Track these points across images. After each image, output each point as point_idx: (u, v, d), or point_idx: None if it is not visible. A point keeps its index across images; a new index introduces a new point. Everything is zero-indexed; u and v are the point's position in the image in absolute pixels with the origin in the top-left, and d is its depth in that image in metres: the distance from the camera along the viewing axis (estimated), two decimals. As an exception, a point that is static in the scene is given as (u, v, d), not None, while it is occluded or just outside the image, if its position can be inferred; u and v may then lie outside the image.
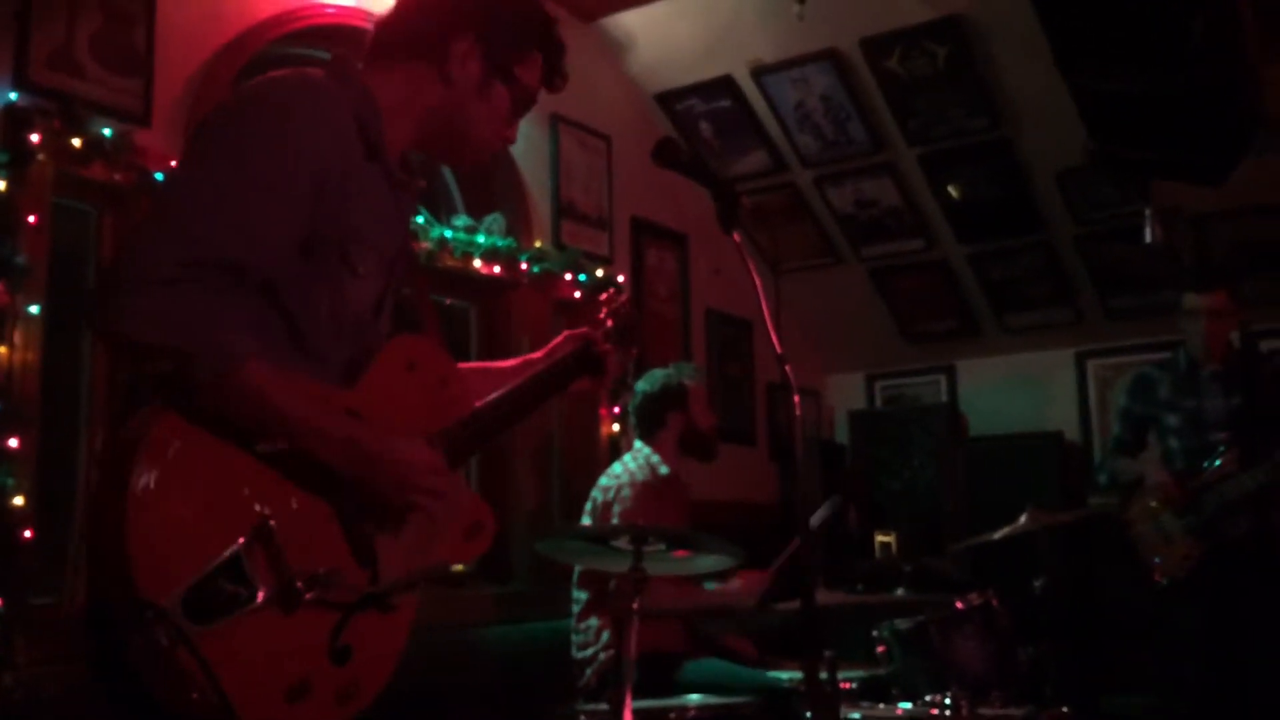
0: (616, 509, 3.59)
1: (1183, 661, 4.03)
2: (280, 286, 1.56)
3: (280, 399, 1.49)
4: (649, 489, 3.65)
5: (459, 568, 1.85)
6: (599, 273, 4.54)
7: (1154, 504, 4.05)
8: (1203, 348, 4.08)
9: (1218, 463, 3.93)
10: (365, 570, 1.60)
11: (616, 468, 3.77)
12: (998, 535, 3.67)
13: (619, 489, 3.64)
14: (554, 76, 1.84)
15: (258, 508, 1.47)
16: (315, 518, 1.55)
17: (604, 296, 2.24)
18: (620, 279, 4.71)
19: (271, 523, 1.47)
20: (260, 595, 1.44)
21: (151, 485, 1.38)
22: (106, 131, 2.94)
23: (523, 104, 1.81)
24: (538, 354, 2.15)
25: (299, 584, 1.48)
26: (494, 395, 1.91)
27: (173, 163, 3.00)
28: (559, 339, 2.17)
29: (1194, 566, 3.93)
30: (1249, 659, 3.87)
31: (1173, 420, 4.13)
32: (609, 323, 2.18)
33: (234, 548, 1.43)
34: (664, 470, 3.75)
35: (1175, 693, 4.09)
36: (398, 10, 1.77)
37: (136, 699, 1.42)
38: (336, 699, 1.54)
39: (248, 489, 1.48)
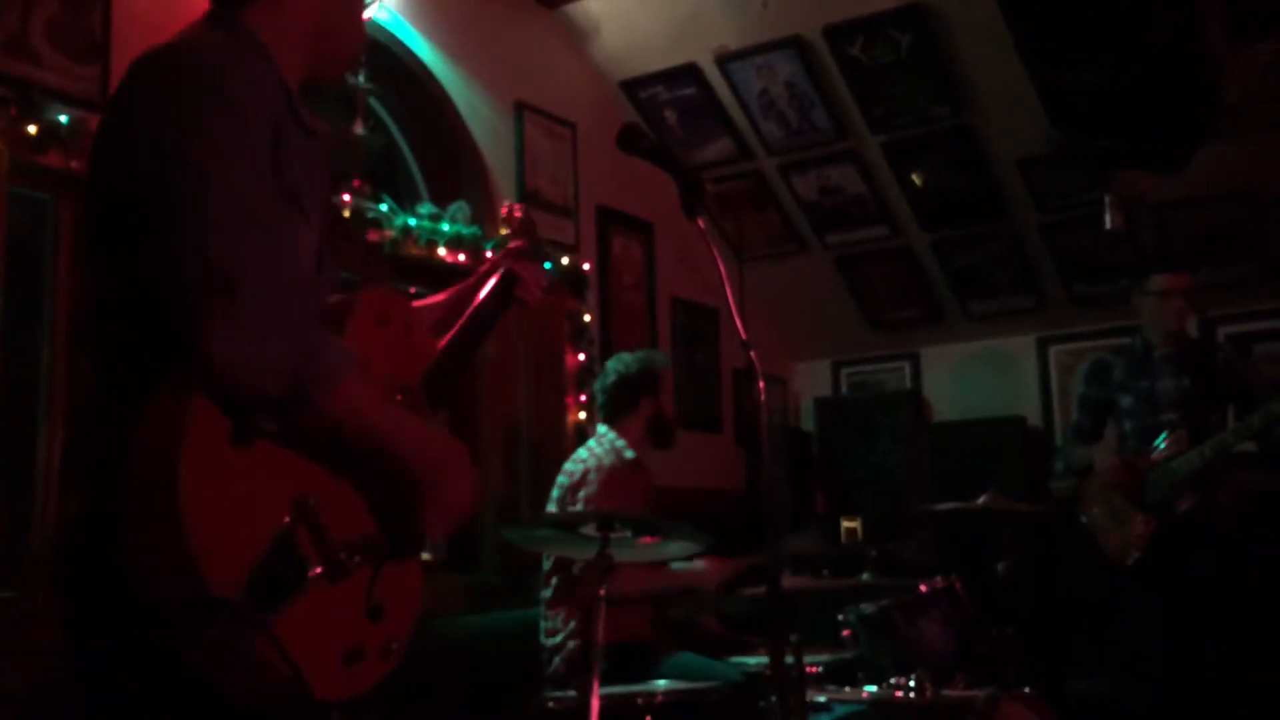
0: (583, 494, 3.58)
1: (1139, 641, 4.10)
2: None
3: (369, 411, 1.51)
4: (616, 474, 3.63)
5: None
6: (565, 261, 4.54)
7: (1105, 487, 4.11)
8: (1165, 328, 4.13)
9: (1163, 444, 3.99)
10: (387, 533, 1.63)
11: (582, 453, 3.75)
12: (947, 506, 3.75)
13: (585, 474, 3.62)
14: None
15: (293, 486, 1.47)
16: (341, 488, 1.56)
17: (504, 212, 2.27)
18: (586, 266, 4.70)
19: (311, 500, 1.47)
20: (316, 570, 1.46)
21: (200, 480, 1.36)
22: (63, 118, 2.90)
23: None
24: (458, 287, 2.20)
25: (342, 555, 1.50)
26: (444, 342, 1.98)
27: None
28: (486, 265, 2.20)
29: (1146, 546, 4.00)
30: (1201, 635, 3.94)
31: (1126, 401, 4.20)
32: (520, 243, 2.22)
33: (281, 528, 1.43)
34: (629, 455, 3.73)
35: (1132, 672, 4.16)
36: None
37: (178, 696, 1.41)
38: (380, 655, 1.58)
39: (278, 469, 1.47)
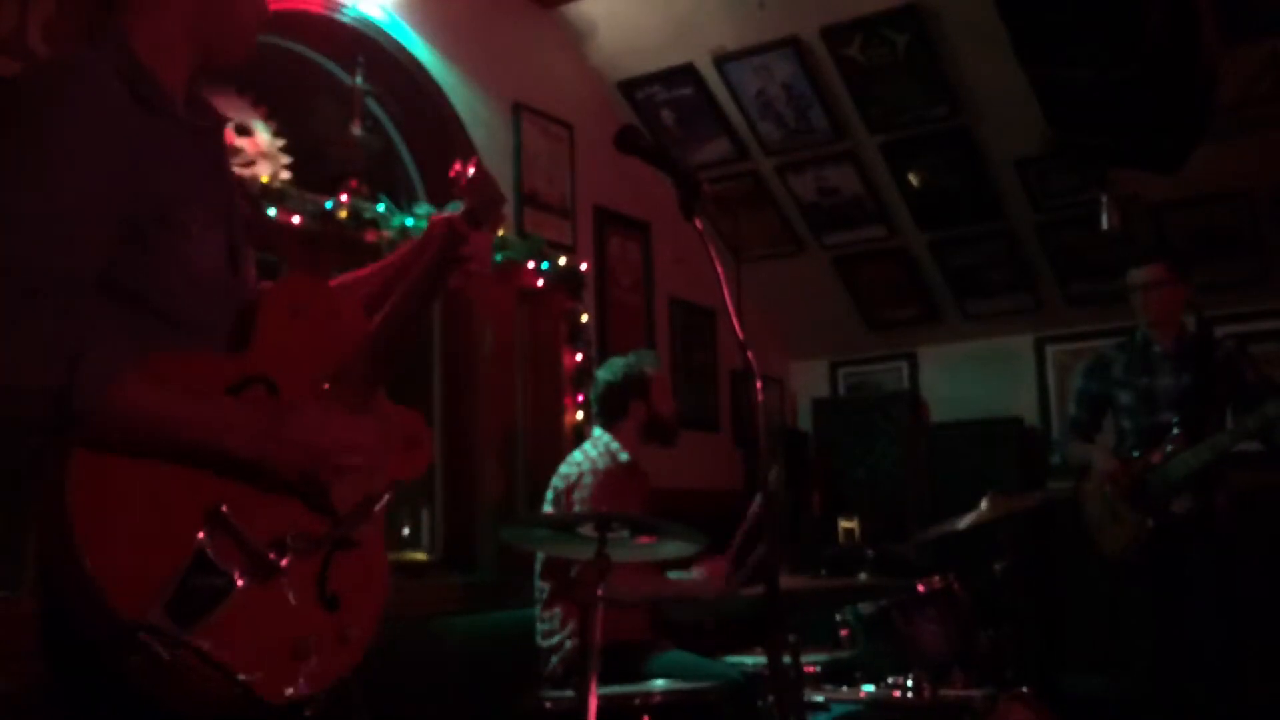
0: (578, 496, 3.59)
1: (1134, 639, 4.11)
2: (120, 280, 1.51)
3: (168, 408, 1.45)
4: (610, 476, 3.65)
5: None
6: (562, 261, 4.54)
7: (1103, 486, 4.10)
8: (1147, 318, 4.12)
9: (1169, 447, 3.99)
10: (325, 519, 1.62)
11: (576, 455, 3.77)
12: (962, 525, 3.69)
13: (580, 477, 3.64)
14: None
15: (203, 499, 1.47)
16: (260, 489, 1.55)
17: (453, 172, 2.05)
18: (583, 266, 4.70)
19: (223, 508, 1.47)
20: (239, 580, 1.46)
21: (94, 516, 1.37)
22: (60, 119, 2.89)
23: None
24: (401, 252, 2.06)
25: (270, 555, 1.50)
26: (380, 317, 1.85)
27: None
28: (428, 231, 2.03)
29: (1142, 545, 4.00)
30: (1195, 634, 3.94)
31: (1125, 398, 4.17)
32: (467, 202, 2.01)
33: (196, 544, 1.44)
34: (624, 457, 3.75)
35: (1127, 670, 4.16)
36: None
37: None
38: (337, 643, 1.58)
39: (185, 486, 1.46)
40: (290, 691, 1.49)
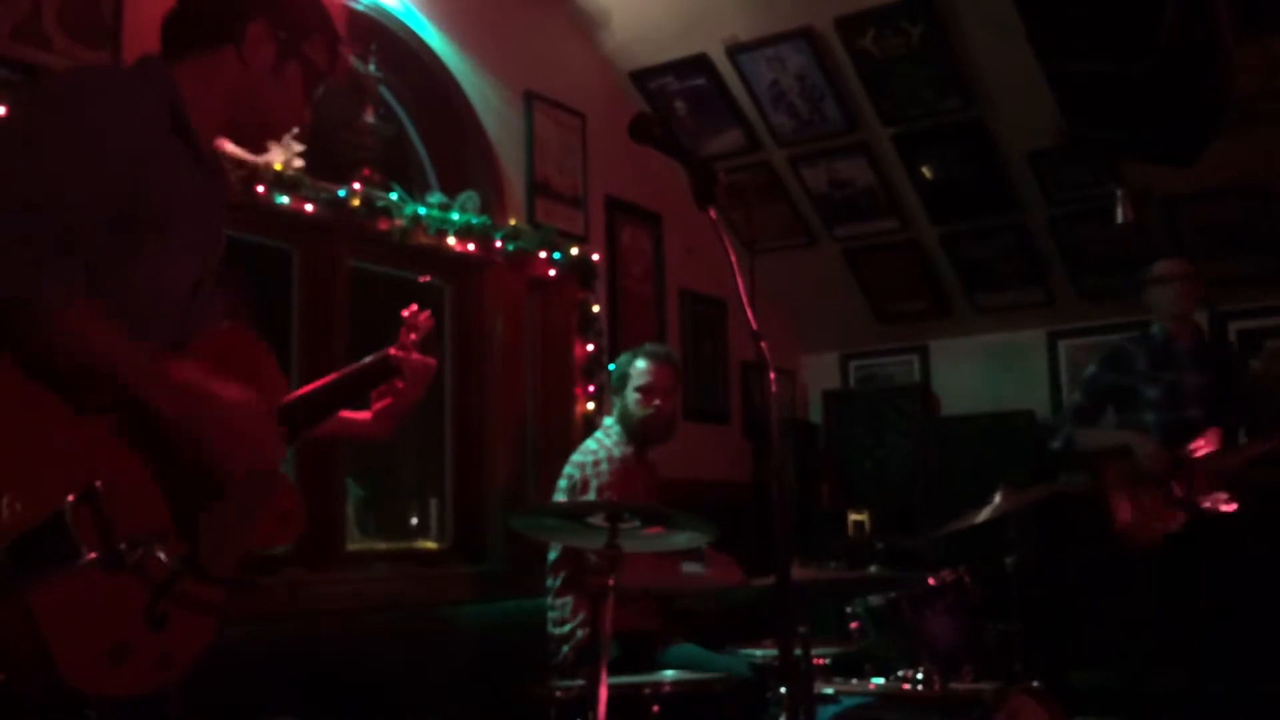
0: (594, 483, 3.60)
1: (1142, 633, 4.12)
2: (95, 266, 1.58)
3: (111, 342, 1.53)
4: (624, 464, 3.68)
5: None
6: (573, 251, 4.53)
7: (1135, 475, 4.06)
8: (1172, 312, 4.12)
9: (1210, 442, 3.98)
10: (185, 542, 1.63)
11: (590, 443, 3.79)
12: (979, 519, 3.66)
13: (596, 464, 3.66)
14: (335, 59, 1.97)
15: (84, 467, 1.49)
16: (140, 482, 1.58)
17: (406, 313, 2.28)
18: (595, 257, 4.70)
19: (98, 484, 1.48)
20: (89, 554, 1.46)
21: None
22: (74, 105, 2.89)
23: (313, 83, 1.93)
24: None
25: (123, 546, 1.49)
26: (302, 392, 2.03)
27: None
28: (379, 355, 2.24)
29: (1170, 537, 3.98)
30: (1212, 631, 3.94)
31: (1152, 393, 4.17)
32: (412, 336, 2.25)
33: (63, 505, 1.45)
34: (631, 448, 3.78)
35: (1144, 665, 4.16)
36: (185, 4, 1.88)
37: None
38: (154, 664, 1.56)
39: (74, 445, 1.50)
40: (100, 689, 1.47)
